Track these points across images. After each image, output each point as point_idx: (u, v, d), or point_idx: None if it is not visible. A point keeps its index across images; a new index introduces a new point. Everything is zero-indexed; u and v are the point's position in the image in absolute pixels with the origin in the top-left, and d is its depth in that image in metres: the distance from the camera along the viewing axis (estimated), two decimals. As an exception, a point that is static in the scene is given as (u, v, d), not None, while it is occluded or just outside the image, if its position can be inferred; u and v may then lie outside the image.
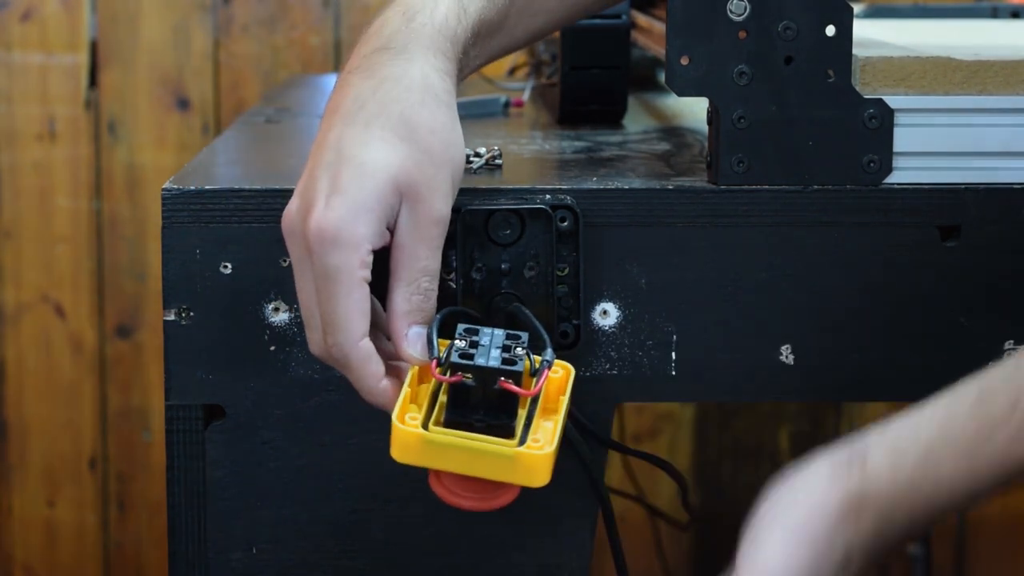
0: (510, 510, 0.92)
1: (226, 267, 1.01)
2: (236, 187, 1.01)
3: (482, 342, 0.92)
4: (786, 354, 1.03)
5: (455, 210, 0.98)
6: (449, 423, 0.91)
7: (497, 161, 1.08)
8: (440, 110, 0.96)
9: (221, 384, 1.02)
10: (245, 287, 1.01)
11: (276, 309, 1.02)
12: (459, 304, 1.00)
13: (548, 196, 1.01)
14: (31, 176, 2.20)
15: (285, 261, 0.99)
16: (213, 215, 1.01)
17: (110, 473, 2.24)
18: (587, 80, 1.29)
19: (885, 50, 1.06)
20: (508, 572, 1.04)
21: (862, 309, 1.03)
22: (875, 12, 1.61)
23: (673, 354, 1.03)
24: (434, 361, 0.92)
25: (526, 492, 0.91)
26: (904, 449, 0.87)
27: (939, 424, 0.87)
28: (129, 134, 2.20)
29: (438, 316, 0.95)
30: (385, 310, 0.95)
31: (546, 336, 0.95)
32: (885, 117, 1.01)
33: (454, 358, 0.90)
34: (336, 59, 2.21)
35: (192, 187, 1.01)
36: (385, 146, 0.94)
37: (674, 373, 1.03)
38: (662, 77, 1.36)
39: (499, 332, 0.93)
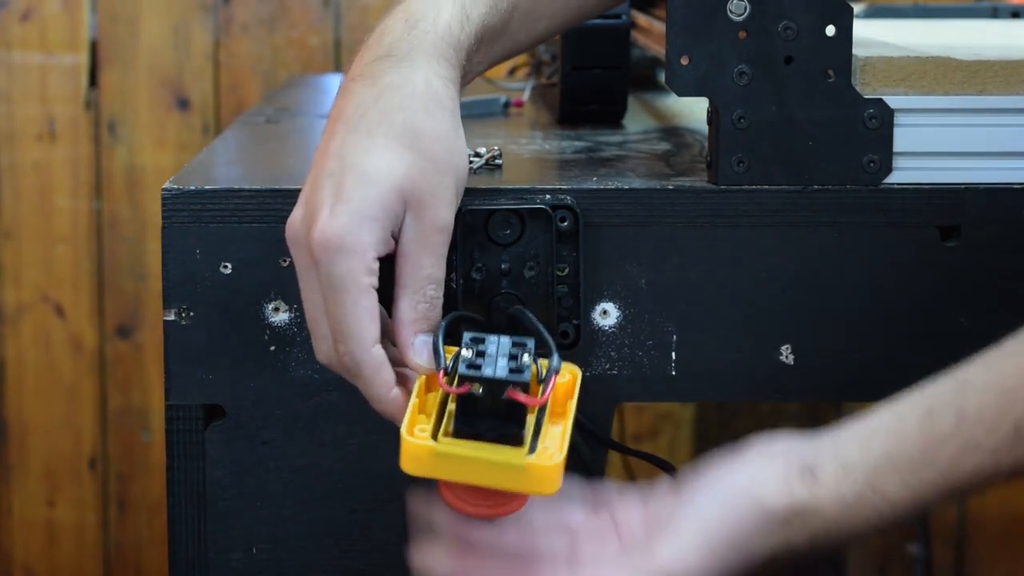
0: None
1: (226, 267, 1.01)
2: (236, 187, 1.01)
3: (488, 351, 0.91)
4: (786, 354, 1.03)
5: None
6: (458, 433, 0.91)
7: (497, 161, 1.08)
8: (444, 117, 0.96)
9: (221, 384, 1.02)
10: (245, 287, 1.01)
11: (276, 309, 1.02)
12: (460, 304, 1.00)
13: (548, 196, 1.01)
14: (31, 176, 2.20)
15: (285, 261, 0.99)
16: (213, 215, 1.01)
17: (110, 473, 2.24)
18: (587, 80, 1.29)
19: (885, 50, 1.06)
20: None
21: (862, 309, 1.03)
22: (875, 12, 1.61)
23: (673, 354, 1.03)
24: (441, 372, 0.92)
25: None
26: (853, 465, 0.89)
27: (888, 440, 0.89)
28: (129, 134, 2.20)
29: (442, 324, 0.94)
30: (391, 318, 0.95)
31: (552, 342, 0.94)
32: (885, 117, 1.01)
33: (461, 369, 0.90)
34: (336, 59, 2.21)
35: (192, 187, 1.01)
36: (389, 154, 0.93)
37: (674, 373, 1.03)
38: (662, 77, 1.36)
39: (505, 340, 0.92)
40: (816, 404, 2.25)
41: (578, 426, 1.00)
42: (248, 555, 1.04)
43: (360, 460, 1.03)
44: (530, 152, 1.17)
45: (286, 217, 0.95)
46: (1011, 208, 1.02)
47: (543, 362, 0.93)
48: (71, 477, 2.24)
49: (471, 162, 1.07)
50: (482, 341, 0.92)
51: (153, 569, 2.25)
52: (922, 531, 2.21)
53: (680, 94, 1.01)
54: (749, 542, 0.89)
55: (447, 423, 0.92)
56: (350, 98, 0.96)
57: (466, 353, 0.91)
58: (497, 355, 0.91)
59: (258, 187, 1.01)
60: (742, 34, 1.00)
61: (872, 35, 1.20)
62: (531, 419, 0.92)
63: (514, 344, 0.92)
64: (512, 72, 1.63)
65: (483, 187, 1.01)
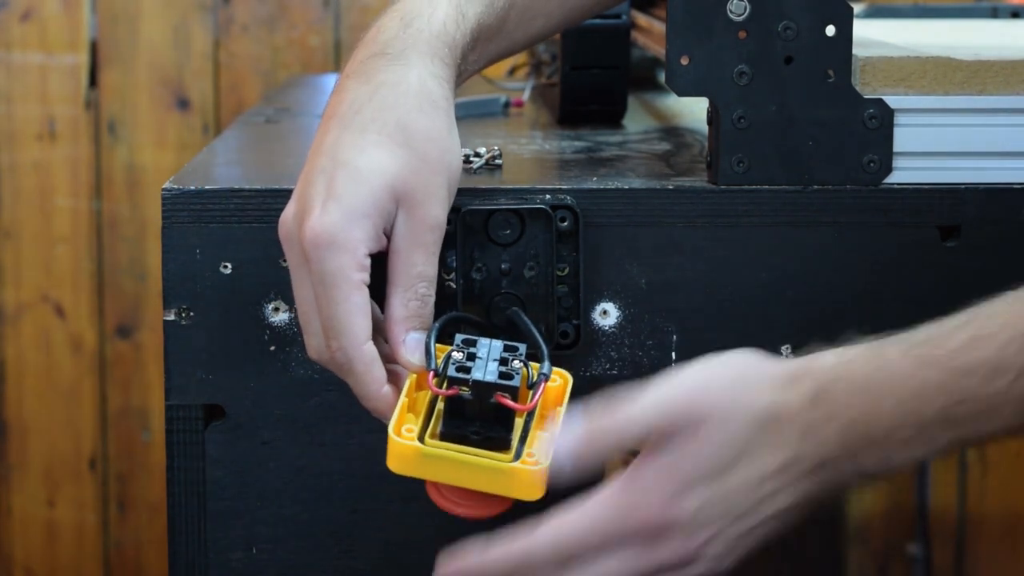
0: (509, 510, 0.92)
1: (226, 267, 1.01)
2: (236, 187, 1.01)
3: (479, 354, 0.92)
4: (786, 354, 1.03)
5: (455, 210, 0.98)
6: (445, 435, 0.91)
7: (497, 161, 1.08)
8: (437, 116, 0.96)
9: (221, 384, 1.02)
10: (245, 287, 1.01)
11: (276, 309, 1.02)
12: (459, 304, 1.00)
13: (548, 196, 1.01)
14: (31, 176, 2.20)
15: (285, 261, 0.99)
16: (213, 215, 1.01)
17: (110, 473, 2.24)
18: (587, 80, 1.29)
19: (885, 50, 1.06)
20: (508, 572, 1.04)
21: (862, 309, 1.03)
22: (875, 12, 1.61)
23: (673, 354, 1.03)
24: (431, 373, 0.92)
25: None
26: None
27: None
28: (129, 134, 2.20)
29: (436, 325, 0.94)
30: (383, 315, 0.95)
31: (544, 347, 0.94)
32: (885, 117, 1.01)
33: (451, 371, 0.90)
34: (336, 59, 2.21)
35: (192, 187, 1.01)
36: (381, 151, 0.94)
37: (674, 373, 1.03)
38: (662, 77, 1.36)
39: (497, 343, 0.93)
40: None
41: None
42: (248, 555, 1.04)
43: (360, 460, 1.03)
44: (530, 152, 1.17)
45: (286, 217, 0.95)
46: (1011, 208, 1.02)
47: (535, 365, 0.93)
48: (71, 477, 2.24)
49: (471, 162, 1.07)
50: (474, 344, 0.92)
51: (153, 569, 2.25)
52: (922, 531, 2.21)
53: (680, 94, 1.01)
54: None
55: (435, 424, 0.92)
56: (344, 95, 0.96)
57: (457, 355, 0.91)
58: (488, 359, 0.91)
59: (258, 187, 1.01)
60: (742, 34, 1.00)
61: (872, 35, 1.20)
62: (519, 423, 0.92)
63: (506, 348, 0.92)
64: (512, 72, 1.63)
65: (483, 187, 1.01)
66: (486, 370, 0.90)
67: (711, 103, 1.02)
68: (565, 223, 1.00)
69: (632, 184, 1.02)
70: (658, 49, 1.30)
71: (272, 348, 1.02)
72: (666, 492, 0.89)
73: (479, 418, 0.91)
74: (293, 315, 1.01)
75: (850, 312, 1.03)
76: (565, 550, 0.89)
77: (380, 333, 0.95)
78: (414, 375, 0.94)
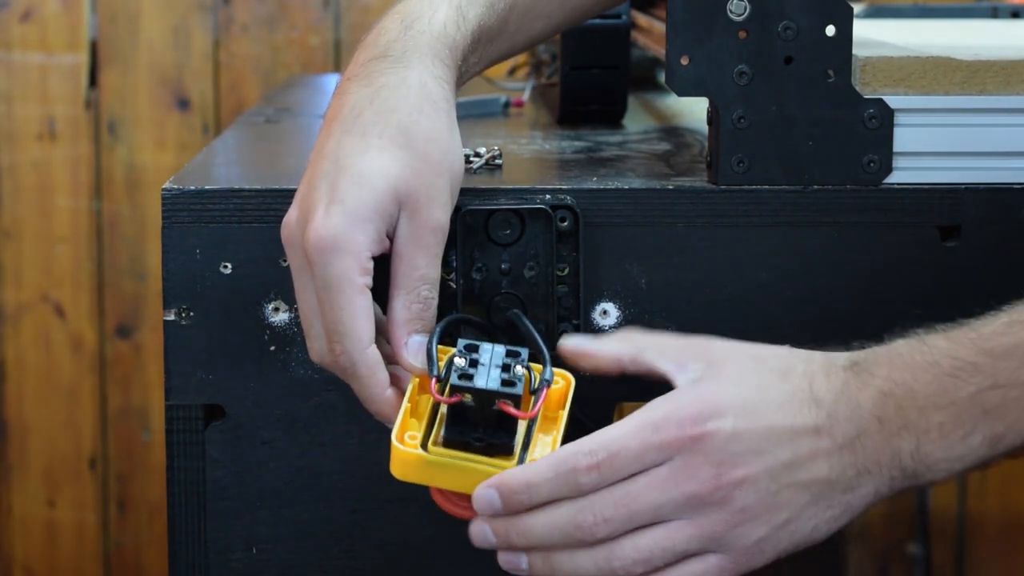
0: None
1: (226, 267, 1.01)
2: (236, 187, 1.01)
3: (482, 360, 0.92)
4: (786, 354, 1.03)
5: (455, 210, 0.98)
6: (448, 442, 0.91)
7: (497, 161, 1.08)
8: (438, 118, 0.96)
9: (221, 384, 1.02)
10: (245, 287, 1.01)
11: (276, 309, 1.02)
12: (459, 304, 1.00)
13: (548, 196, 1.01)
14: (31, 176, 2.20)
15: (285, 261, 0.99)
16: (213, 215, 1.01)
17: (110, 473, 2.24)
18: (587, 80, 1.29)
19: (885, 50, 1.06)
20: (507, 573, 1.04)
21: (862, 309, 1.03)
22: (875, 12, 1.61)
23: (673, 354, 1.03)
24: (433, 379, 0.92)
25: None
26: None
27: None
28: (129, 134, 2.20)
29: (437, 329, 0.94)
30: (385, 318, 0.95)
31: (546, 353, 0.94)
32: (885, 117, 1.01)
33: (453, 379, 0.90)
34: (336, 59, 2.21)
35: (192, 187, 1.01)
36: (383, 155, 0.94)
37: (674, 373, 1.03)
38: (662, 77, 1.36)
39: (499, 349, 0.93)
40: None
41: (579, 426, 1.00)
42: (248, 555, 1.04)
43: (360, 460, 1.03)
44: (530, 152, 1.17)
45: (286, 217, 0.95)
46: (1011, 208, 1.02)
47: (536, 367, 0.93)
48: (71, 477, 2.24)
49: (471, 162, 1.07)
50: (476, 349, 0.92)
51: (153, 569, 2.25)
52: (922, 531, 2.21)
53: (680, 94, 1.01)
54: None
55: (438, 429, 0.92)
56: (346, 98, 0.96)
57: (459, 361, 0.91)
58: (490, 365, 0.91)
59: (258, 187, 1.01)
60: (742, 34, 1.00)
61: (872, 35, 1.20)
62: (522, 427, 0.92)
63: (508, 353, 0.92)
64: (512, 72, 1.63)
65: (483, 187, 1.01)
66: (488, 377, 0.90)
67: (711, 103, 1.02)
68: (565, 223, 1.00)
69: (632, 184, 1.02)
70: (658, 49, 1.30)
71: (272, 348, 1.02)
72: (699, 412, 0.89)
73: (482, 424, 0.91)
74: (293, 315, 1.01)
75: (850, 312, 1.03)
76: (603, 457, 0.89)
77: (383, 335, 0.96)
78: (416, 380, 0.94)
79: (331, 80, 1.82)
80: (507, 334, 0.99)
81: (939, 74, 1.02)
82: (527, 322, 0.98)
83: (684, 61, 1.00)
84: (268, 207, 1.00)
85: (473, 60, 1.02)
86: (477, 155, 1.08)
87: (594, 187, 1.02)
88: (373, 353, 0.93)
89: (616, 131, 1.27)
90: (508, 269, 1.00)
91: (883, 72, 1.02)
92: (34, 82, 2.19)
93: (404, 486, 0.92)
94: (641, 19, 1.41)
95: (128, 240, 2.20)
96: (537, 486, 0.89)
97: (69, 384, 2.23)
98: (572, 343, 0.96)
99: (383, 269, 0.94)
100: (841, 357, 0.92)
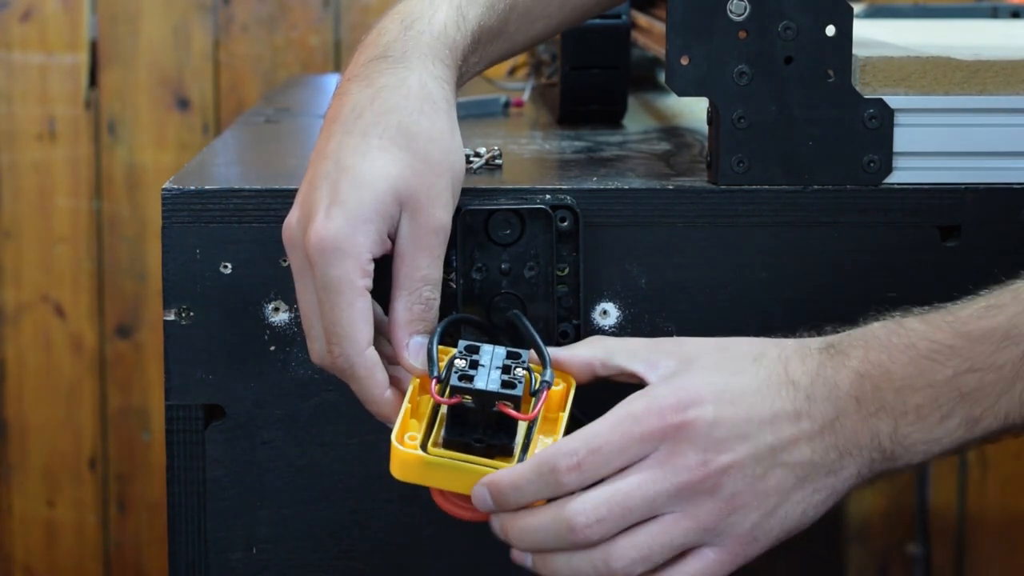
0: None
1: (226, 267, 1.01)
2: (236, 187, 1.01)
3: (482, 361, 0.92)
4: (786, 354, 1.03)
5: (456, 210, 0.98)
6: (448, 443, 0.91)
7: (497, 161, 1.08)
8: (438, 118, 0.96)
9: (221, 384, 1.02)
10: (245, 287, 1.01)
11: (276, 309, 1.02)
12: (459, 304, 1.00)
13: (548, 196, 1.01)
14: (31, 176, 2.20)
15: (285, 261, 0.99)
16: (213, 215, 1.01)
17: (110, 473, 2.24)
18: (587, 80, 1.29)
19: (885, 50, 1.06)
20: (508, 572, 1.04)
21: (862, 309, 1.02)
22: (875, 12, 1.61)
23: (673, 354, 1.03)
24: (434, 380, 0.92)
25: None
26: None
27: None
28: (129, 134, 2.20)
29: (437, 329, 0.94)
30: (387, 318, 0.95)
31: (547, 354, 0.94)
32: (885, 117, 1.01)
33: (453, 380, 0.90)
34: (336, 59, 2.21)
35: (192, 187, 1.01)
36: (384, 155, 0.94)
37: (674, 373, 1.03)
38: (662, 77, 1.36)
39: (500, 350, 0.93)
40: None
41: (578, 426, 1.00)
42: (248, 555, 1.04)
43: (360, 460, 1.03)
44: (530, 152, 1.17)
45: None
46: (1011, 208, 1.02)
47: (537, 366, 0.93)
48: (71, 477, 2.24)
49: (471, 162, 1.07)
50: (476, 350, 0.92)
51: (153, 569, 2.25)
52: (922, 531, 2.21)
53: (680, 94, 1.01)
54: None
55: (438, 430, 0.92)
56: (346, 99, 0.97)
57: (460, 363, 0.91)
58: (490, 366, 0.91)
59: (258, 187, 1.01)
60: (742, 34, 1.00)
61: (872, 35, 1.20)
62: (523, 428, 0.92)
63: (508, 355, 0.92)
64: (512, 72, 1.63)
65: (483, 187, 1.01)
66: (488, 379, 0.90)
67: (711, 103, 1.02)
68: (565, 223, 1.00)
69: (632, 184, 1.02)
70: (658, 49, 1.30)
71: (272, 348, 1.02)
72: (678, 401, 0.90)
73: (482, 425, 0.91)
74: (293, 315, 1.01)
75: (850, 312, 1.02)
76: (584, 454, 0.89)
77: (384, 335, 0.96)
78: (416, 381, 0.94)
79: (331, 80, 1.82)
80: (507, 334, 0.99)
81: (939, 74, 1.02)
82: (527, 323, 0.98)
83: (684, 61, 1.00)
84: (268, 207, 1.00)
85: (473, 60, 1.03)
86: (477, 155, 1.08)
87: (594, 187, 1.02)
88: (371, 355, 0.93)
89: (616, 131, 1.27)
90: (508, 269, 1.00)
91: (883, 72, 1.02)
92: (34, 82, 2.19)
93: (404, 486, 0.92)
94: (641, 19, 1.41)
95: (128, 240, 2.20)
96: (521, 488, 0.89)
97: (69, 384, 2.23)
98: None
99: (385, 269, 0.94)
100: (815, 341, 0.92)
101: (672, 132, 1.26)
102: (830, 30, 1.00)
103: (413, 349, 0.94)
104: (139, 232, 2.20)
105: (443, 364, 0.92)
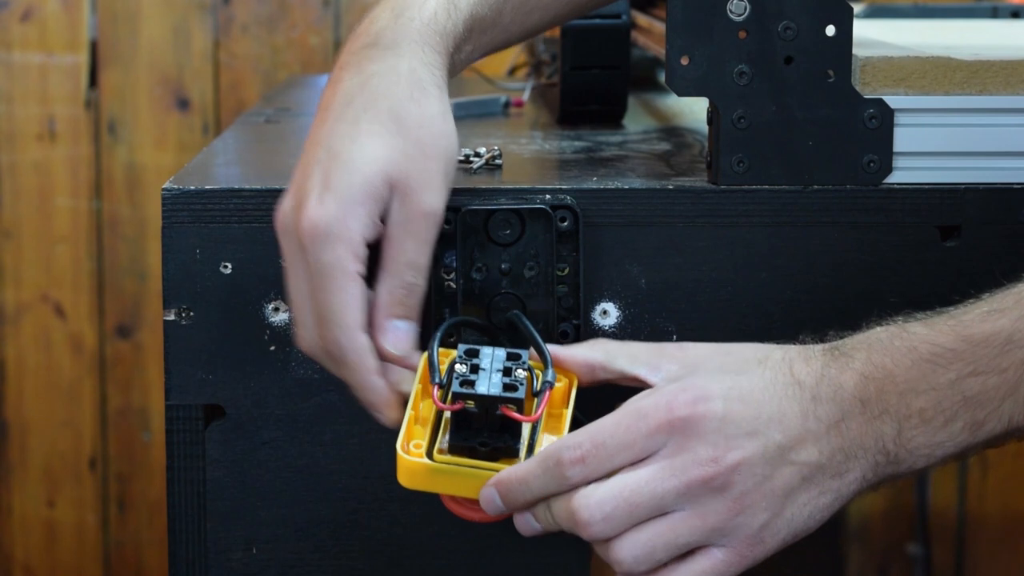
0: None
1: (226, 267, 1.01)
2: (236, 187, 1.01)
3: (483, 365, 0.92)
4: (786, 354, 1.03)
5: (455, 210, 0.98)
6: (453, 448, 0.91)
7: (497, 161, 1.08)
8: (429, 103, 0.96)
9: (221, 384, 1.02)
10: (245, 287, 1.01)
11: (276, 309, 1.02)
12: (459, 304, 1.00)
13: (548, 196, 1.01)
14: (31, 176, 2.20)
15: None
16: (213, 215, 1.01)
17: (110, 473, 2.24)
18: (587, 80, 1.29)
19: (885, 50, 1.06)
20: (508, 572, 1.04)
21: (862, 309, 1.02)
22: (875, 12, 1.61)
23: (673, 354, 1.03)
24: (435, 387, 0.92)
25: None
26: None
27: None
28: (129, 134, 2.20)
29: (437, 334, 0.94)
30: None
31: (548, 354, 0.94)
32: (885, 117, 1.01)
33: (455, 386, 0.90)
34: (336, 59, 2.21)
35: (192, 187, 1.01)
36: (374, 140, 0.94)
37: (674, 373, 1.03)
38: (662, 77, 1.36)
39: (500, 352, 0.93)
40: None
41: (576, 422, 1.00)
42: (248, 555, 1.04)
43: (360, 460, 1.03)
44: (530, 152, 1.17)
45: (286, 217, 0.95)
46: (1011, 208, 1.02)
47: (538, 365, 0.93)
48: (71, 477, 2.24)
49: (471, 162, 1.07)
50: (476, 354, 0.92)
51: (153, 569, 2.25)
52: (922, 531, 2.21)
53: (680, 94, 1.01)
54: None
55: (442, 436, 0.92)
56: (337, 87, 0.97)
57: (460, 368, 0.91)
58: (491, 370, 0.91)
59: (258, 187, 1.01)
60: (742, 34, 1.00)
61: (872, 35, 1.20)
62: (527, 429, 0.92)
63: (508, 356, 0.92)
64: (512, 72, 1.63)
65: (483, 187, 1.01)
66: (490, 383, 0.90)
67: (711, 103, 1.02)
68: (565, 223, 1.00)
69: (632, 184, 1.02)
70: (658, 49, 1.30)
71: (272, 348, 1.02)
72: (687, 397, 0.89)
73: (486, 429, 0.91)
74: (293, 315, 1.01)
75: (850, 312, 1.02)
76: (588, 448, 0.89)
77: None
78: (419, 386, 0.94)
79: (331, 80, 1.81)
80: (507, 334, 0.99)
81: (939, 74, 1.02)
82: (528, 323, 0.98)
83: (684, 61, 1.00)
84: (268, 207, 1.00)
85: (467, 49, 1.03)
86: (477, 155, 1.08)
87: (594, 187, 1.02)
88: (362, 340, 0.93)
89: (616, 131, 1.27)
90: (508, 269, 1.00)
91: (883, 72, 1.02)
92: (34, 82, 2.19)
93: (404, 486, 0.92)
94: (641, 19, 1.41)
95: (128, 240, 2.20)
96: (528, 482, 0.89)
97: (69, 384, 2.23)
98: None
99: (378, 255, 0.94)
100: (817, 346, 0.92)
101: (672, 132, 1.26)
102: (830, 30, 1.00)
103: (391, 333, 0.94)
104: (139, 232, 2.20)
105: (443, 368, 0.92)
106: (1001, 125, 1.02)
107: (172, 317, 1.02)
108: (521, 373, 0.91)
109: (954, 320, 0.90)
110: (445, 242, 0.99)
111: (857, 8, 1.52)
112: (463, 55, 1.03)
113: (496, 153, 1.08)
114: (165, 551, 1.04)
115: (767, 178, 1.02)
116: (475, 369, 0.91)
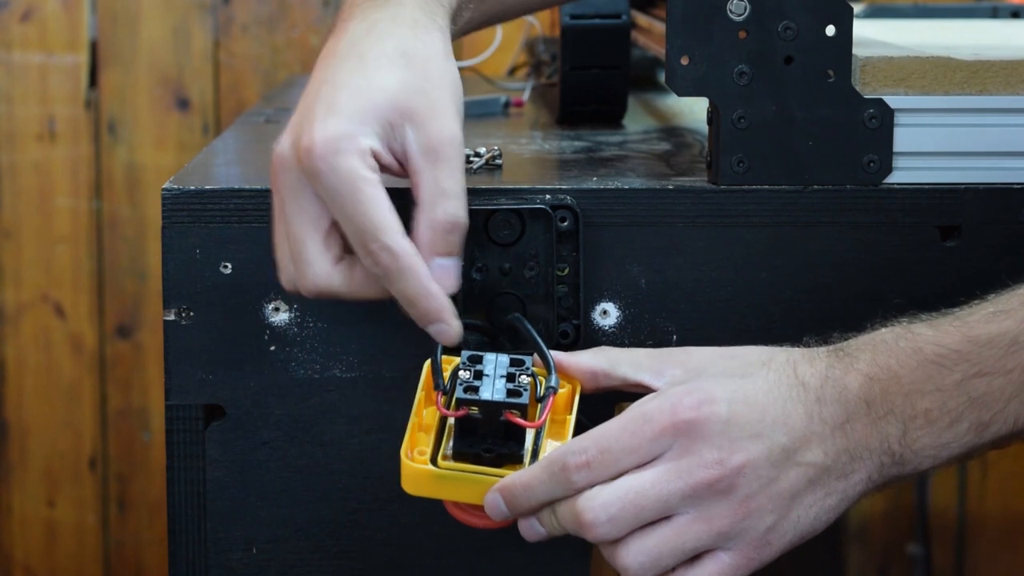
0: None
1: (226, 267, 1.01)
2: (236, 187, 1.01)
3: (486, 371, 0.91)
4: (786, 354, 1.03)
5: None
6: (457, 455, 0.91)
7: (497, 161, 1.08)
8: (433, 43, 0.95)
9: (221, 384, 1.02)
10: (245, 287, 1.01)
11: (276, 309, 1.02)
12: (459, 305, 1.00)
13: (548, 196, 1.01)
14: (31, 176, 2.20)
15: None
16: (213, 215, 1.01)
17: (110, 473, 2.24)
18: (587, 80, 1.29)
19: (885, 50, 1.06)
20: (508, 572, 1.04)
21: (862, 309, 1.03)
22: (875, 12, 1.61)
23: (673, 354, 1.03)
24: (439, 393, 0.91)
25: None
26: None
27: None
28: (129, 134, 2.20)
29: (439, 343, 0.94)
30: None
31: (551, 360, 0.94)
32: (885, 117, 1.01)
33: (459, 393, 0.90)
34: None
35: (192, 187, 1.01)
36: (382, 72, 0.93)
37: (674, 373, 1.03)
38: (662, 77, 1.36)
39: (503, 358, 0.92)
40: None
41: (579, 426, 1.00)
42: (248, 555, 1.04)
43: (360, 460, 1.03)
44: (530, 152, 1.17)
45: (286, 217, 0.95)
46: (1011, 208, 1.02)
47: (540, 370, 0.93)
48: (71, 477, 2.24)
49: (471, 162, 1.07)
50: (480, 360, 0.92)
51: (153, 569, 2.25)
52: (922, 531, 2.21)
53: (680, 94, 1.01)
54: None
55: (446, 442, 0.92)
56: (341, 35, 0.96)
57: (464, 374, 0.91)
58: (495, 376, 0.91)
59: (258, 187, 1.01)
60: (742, 34, 1.00)
61: (872, 35, 1.20)
62: (531, 434, 0.92)
63: (512, 362, 0.92)
64: (512, 72, 1.63)
65: (483, 187, 1.01)
66: (494, 389, 0.90)
67: (711, 103, 1.02)
68: (565, 223, 1.00)
69: (632, 184, 1.02)
70: (658, 49, 1.30)
71: (272, 348, 1.02)
72: (692, 400, 0.89)
73: (490, 435, 0.91)
74: (293, 315, 1.01)
75: (850, 312, 1.03)
76: (593, 453, 0.88)
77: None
78: (422, 392, 0.93)
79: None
80: (508, 336, 0.99)
81: (939, 74, 1.02)
82: (530, 328, 0.98)
83: (684, 61, 1.00)
84: (268, 207, 1.00)
85: (466, 16, 1.03)
86: (477, 155, 1.08)
87: (594, 187, 1.02)
88: (410, 244, 0.90)
89: (616, 131, 1.27)
90: (508, 269, 1.00)
91: (883, 72, 1.02)
92: (34, 82, 2.19)
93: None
94: (641, 19, 1.41)
95: (128, 240, 2.20)
96: (533, 488, 0.89)
97: (69, 384, 2.23)
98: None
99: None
100: (821, 347, 0.92)
101: (672, 132, 1.26)
102: (830, 30, 1.00)
103: (437, 271, 0.91)
104: (139, 232, 2.20)
105: (447, 374, 0.92)
106: (1001, 125, 1.02)
107: (172, 317, 1.02)
108: (525, 379, 0.91)
109: (959, 321, 0.90)
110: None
111: (857, 8, 1.52)
112: (463, 20, 1.02)
113: (496, 153, 1.09)
114: (165, 551, 1.04)
115: (767, 178, 1.02)
116: (479, 375, 0.91)
